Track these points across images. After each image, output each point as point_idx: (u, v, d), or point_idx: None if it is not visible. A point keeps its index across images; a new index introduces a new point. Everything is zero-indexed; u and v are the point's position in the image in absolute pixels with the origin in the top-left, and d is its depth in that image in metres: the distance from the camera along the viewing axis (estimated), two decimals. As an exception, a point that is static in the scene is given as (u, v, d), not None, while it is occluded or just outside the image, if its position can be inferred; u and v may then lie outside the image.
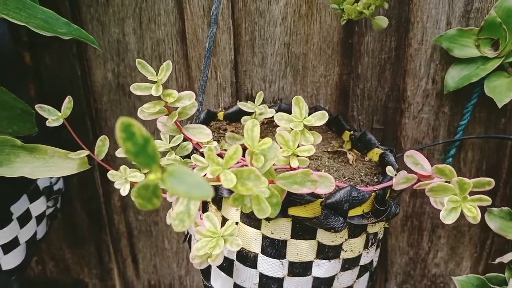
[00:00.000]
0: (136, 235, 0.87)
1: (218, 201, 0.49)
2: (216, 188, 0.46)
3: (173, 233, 0.85)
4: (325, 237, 0.46)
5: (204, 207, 0.53)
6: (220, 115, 0.66)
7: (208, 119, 0.65)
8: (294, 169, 0.41)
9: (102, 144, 0.51)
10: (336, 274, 0.49)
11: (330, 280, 0.49)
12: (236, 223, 0.47)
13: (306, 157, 0.42)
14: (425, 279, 0.84)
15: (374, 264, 0.55)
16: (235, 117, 0.66)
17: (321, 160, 0.58)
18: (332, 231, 0.44)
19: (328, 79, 0.68)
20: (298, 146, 0.42)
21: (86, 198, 0.84)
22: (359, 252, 0.49)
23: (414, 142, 0.72)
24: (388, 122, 0.71)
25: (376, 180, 0.53)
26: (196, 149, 0.53)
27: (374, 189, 0.46)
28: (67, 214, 0.85)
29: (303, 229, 0.45)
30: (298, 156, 0.41)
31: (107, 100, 0.74)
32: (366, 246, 0.50)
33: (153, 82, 0.45)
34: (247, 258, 0.48)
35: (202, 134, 0.46)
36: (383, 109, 0.69)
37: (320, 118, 0.45)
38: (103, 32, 0.70)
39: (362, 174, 0.55)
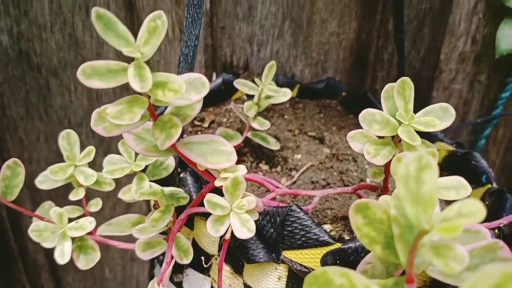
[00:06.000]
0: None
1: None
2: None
3: (116, 258, 0.62)
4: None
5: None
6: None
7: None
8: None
9: (12, 175, 0.27)
10: None
11: None
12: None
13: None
14: None
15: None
16: (213, 99, 0.44)
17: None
18: None
19: (341, 39, 0.48)
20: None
21: (-19, 223, 0.57)
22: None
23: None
24: (418, 96, 0.53)
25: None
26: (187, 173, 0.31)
27: (500, 224, 0.28)
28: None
29: None
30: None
31: (4, 77, 0.48)
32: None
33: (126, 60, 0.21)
34: None
35: (219, 153, 0.24)
36: (415, 79, 0.51)
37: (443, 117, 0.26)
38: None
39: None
